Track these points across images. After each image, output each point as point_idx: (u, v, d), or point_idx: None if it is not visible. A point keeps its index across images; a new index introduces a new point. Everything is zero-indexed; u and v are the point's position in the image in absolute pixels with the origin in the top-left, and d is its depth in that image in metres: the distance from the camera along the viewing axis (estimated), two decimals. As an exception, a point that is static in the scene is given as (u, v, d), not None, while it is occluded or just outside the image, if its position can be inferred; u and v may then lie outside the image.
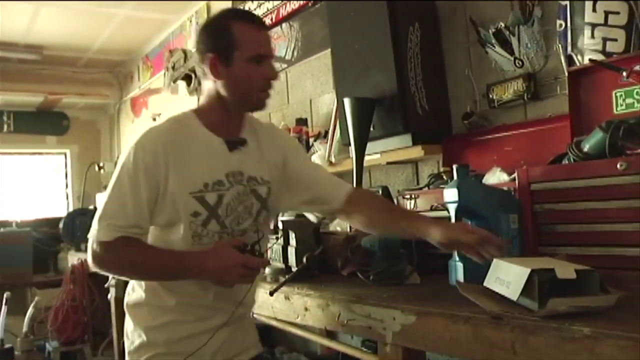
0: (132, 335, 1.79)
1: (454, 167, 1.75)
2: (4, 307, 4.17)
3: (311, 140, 3.42)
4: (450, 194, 1.73)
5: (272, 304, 2.12)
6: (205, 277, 1.66)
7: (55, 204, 7.70)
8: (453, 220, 1.73)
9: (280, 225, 2.17)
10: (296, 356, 3.12)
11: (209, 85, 1.73)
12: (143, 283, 1.77)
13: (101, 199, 1.74)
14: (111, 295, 4.24)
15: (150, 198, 1.66)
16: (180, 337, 1.73)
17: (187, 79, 5.31)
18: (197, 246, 1.69)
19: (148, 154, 1.66)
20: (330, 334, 3.08)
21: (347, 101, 2.54)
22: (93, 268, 1.70)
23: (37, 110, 7.62)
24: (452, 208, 1.73)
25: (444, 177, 2.27)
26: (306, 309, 1.95)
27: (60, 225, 5.46)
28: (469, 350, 1.41)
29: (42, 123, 7.66)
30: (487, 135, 2.47)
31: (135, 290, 1.80)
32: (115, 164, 7.55)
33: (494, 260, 1.48)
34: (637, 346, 1.12)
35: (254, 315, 2.29)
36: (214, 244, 1.68)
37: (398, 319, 1.59)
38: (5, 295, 4.20)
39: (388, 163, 2.76)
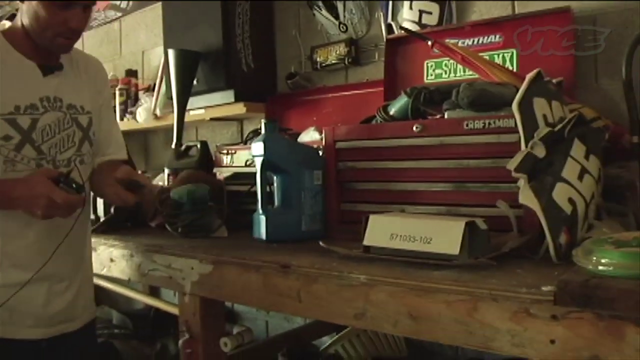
0: None
1: (262, 121, 1.77)
2: None
3: (140, 93, 3.32)
4: (257, 148, 1.74)
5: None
6: (14, 205, 1.53)
7: None
8: (259, 174, 1.75)
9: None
10: (108, 311, 3.06)
11: (22, 7, 1.60)
12: None
13: None
14: None
15: None
16: None
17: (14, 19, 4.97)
18: (10, 173, 1.56)
19: None
20: (155, 292, 3.06)
21: (171, 53, 2.49)
22: None
23: None
24: (258, 162, 1.75)
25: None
26: (112, 260, 1.91)
27: None
28: (259, 299, 1.45)
29: None
30: (308, 96, 2.52)
31: None
32: None
33: (372, 217, 1.43)
34: (405, 291, 1.20)
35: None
36: (30, 172, 1.55)
37: (196, 269, 1.59)
38: None
39: (212, 119, 2.74)
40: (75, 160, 1.68)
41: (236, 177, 2.16)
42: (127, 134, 3.52)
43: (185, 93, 2.48)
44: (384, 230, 1.41)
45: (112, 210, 2.00)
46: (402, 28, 2.10)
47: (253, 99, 2.55)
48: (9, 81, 1.59)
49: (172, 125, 2.93)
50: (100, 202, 2.07)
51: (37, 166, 1.60)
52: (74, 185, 1.48)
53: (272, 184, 1.81)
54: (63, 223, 1.57)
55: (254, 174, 1.85)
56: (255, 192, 1.83)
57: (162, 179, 2.75)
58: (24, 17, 1.59)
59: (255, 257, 1.49)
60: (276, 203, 1.79)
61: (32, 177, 1.50)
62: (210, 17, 2.51)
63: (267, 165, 1.73)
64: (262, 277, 1.43)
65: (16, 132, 1.58)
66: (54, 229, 1.61)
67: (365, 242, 1.42)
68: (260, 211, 1.74)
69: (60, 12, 1.55)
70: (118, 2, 3.88)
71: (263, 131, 1.76)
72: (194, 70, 2.49)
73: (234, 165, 2.20)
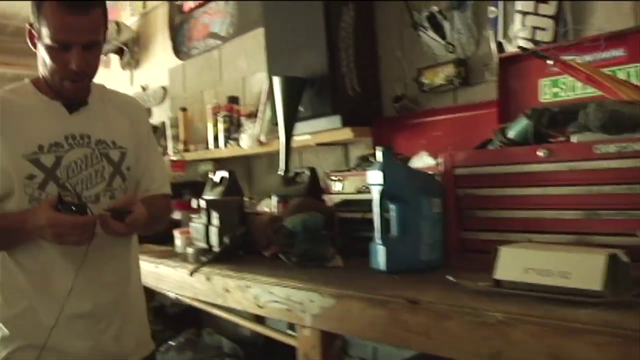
0: None
1: (379, 148, 1.73)
2: None
3: (242, 119, 3.36)
4: (374, 176, 1.71)
5: (193, 285, 2.07)
6: (30, 236, 1.57)
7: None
8: (377, 203, 1.71)
9: (203, 203, 2.10)
10: (218, 339, 3.06)
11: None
12: None
13: None
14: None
15: None
16: (41, 326, 1.58)
17: (120, 52, 5.16)
18: None
19: None
20: (260, 318, 3.04)
21: (276, 80, 2.49)
22: None
23: (-45, 79, 7.22)
24: (375, 190, 1.71)
25: (371, 159, 2.24)
26: (227, 291, 1.91)
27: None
28: (385, 334, 1.41)
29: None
30: (416, 119, 2.47)
31: None
32: None
33: (503, 249, 1.38)
34: (547, 331, 1.13)
35: (177, 296, 2.25)
36: (46, 215, 1.52)
37: (317, 302, 1.56)
38: None
39: (318, 144, 2.73)
40: (105, 195, 1.68)
41: (346, 204, 2.13)
42: (230, 160, 3.59)
43: (291, 119, 2.47)
44: (516, 263, 1.34)
45: (225, 240, 2.00)
46: (520, 47, 2.03)
47: (359, 123, 2.52)
48: (34, 122, 1.63)
49: (277, 150, 2.94)
50: (212, 232, 2.08)
51: None
52: (73, 208, 1.50)
53: (388, 212, 1.77)
54: (95, 256, 1.61)
55: (366, 200, 1.85)
56: (368, 220, 1.81)
57: (267, 205, 2.76)
58: (39, 65, 1.64)
59: (380, 291, 1.44)
60: (394, 232, 1.74)
61: (37, 209, 1.54)
62: (315, 42, 2.51)
63: (386, 194, 1.69)
64: (389, 313, 1.38)
65: (39, 171, 1.60)
66: (88, 262, 1.59)
67: (496, 276, 1.35)
68: (379, 241, 1.71)
69: (61, 54, 1.57)
70: (217, 30, 3.96)
71: (380, 159, 1.72)
72: (299, 97, 2.48)
73: (344, 191, 2.17)
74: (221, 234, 2.04)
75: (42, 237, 1.54)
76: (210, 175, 2.53)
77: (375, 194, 1.72)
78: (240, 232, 2.02)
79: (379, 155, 1.73)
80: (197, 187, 3.68)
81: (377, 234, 1.71)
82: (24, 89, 1.69)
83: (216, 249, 2.05)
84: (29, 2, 1.61)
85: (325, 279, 1.66)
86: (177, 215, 3.16)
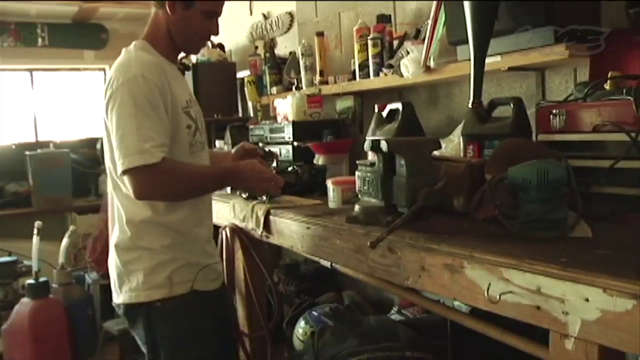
0: (138, 263, 1.89)
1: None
2: (35, 238, 3.67)
3: (395, 42, 2.79)
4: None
5: (368, 256, 1.56)
6: (243, 185, 2.25)
7: (95, 123, 7.00)
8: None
9: (383, 145, 1.54)
10: (386, 320, 2.46)
11: (163, 15, 1.88)
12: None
13: (121, 131, 1.74)
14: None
15: (166, 117, 1.79)
16: (192, 250, 1.93)
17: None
18: (193, 155, 1.91)
19: (156, 75, 1.78)
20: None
21: (466, -17, 1.88)
22: (146, 198, 1.81)
23: (72, 22, 6.81)
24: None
25: (606, 86, 1.63)
26: (424, 269, 1.38)
27: (99, 146, 4.93)
28: None
29: (78, 36, 6.83)
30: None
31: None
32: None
33: None
34: None
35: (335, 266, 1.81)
36: (245, 161, 2.02)
37: (595, 302, 1.01)
38: (36, 225, 3.70)
39: (510, 69, 2.10)
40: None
41: (571, 147, 1.56)
42: (375, 93, 3.04)
43: (486, 35, 1.86)
44: None
45: (419, 197, 1.45)
46: None
47: (570, 39, 1.88)
48: (176, 81, 1.91)
49: (450, 79, 2.40)
50: (398, 184, 1.53)
51: (202, 148, 1.99)
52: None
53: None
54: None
55: (610, 143, 1.45)
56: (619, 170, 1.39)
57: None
58: (171, 25, 1.89)
59: None
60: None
61: (255, 164, 1.97)
62: None
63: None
64: None
65: (192, 121, 1.92)
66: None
67: None
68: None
69: (206, 21, 1.91)
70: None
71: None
72: (496, 5, 1.87)
73: (569, 130, 1.59)
74: (412, 189, 1.48)
75: (251, 185, 2.12)
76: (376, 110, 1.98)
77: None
78: (439, 185, 1.47)
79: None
80: (337, 127, 3.19)
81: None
82: (150, 50, 1.89)
83: (403, 209, 1.51)
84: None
85: (593, 262, 1.10)
86: (320, 160, 2.69)
